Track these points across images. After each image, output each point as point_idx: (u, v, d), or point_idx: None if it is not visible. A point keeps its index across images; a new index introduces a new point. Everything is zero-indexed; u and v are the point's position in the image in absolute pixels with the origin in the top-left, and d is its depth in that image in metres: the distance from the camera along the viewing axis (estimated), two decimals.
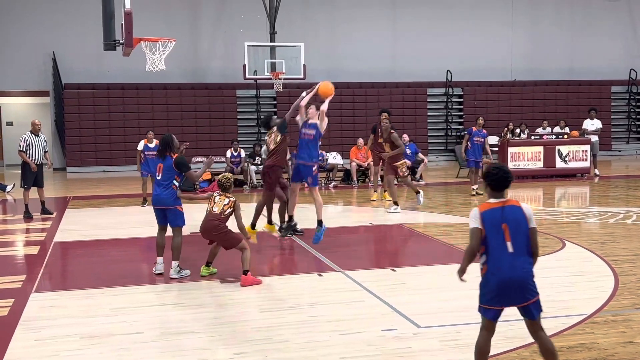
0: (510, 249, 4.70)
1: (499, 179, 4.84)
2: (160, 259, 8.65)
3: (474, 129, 16.21)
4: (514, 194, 16.15)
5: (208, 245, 8.54)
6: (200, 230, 8.40)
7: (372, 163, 15.95)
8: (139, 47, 11.64)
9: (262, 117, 10.11)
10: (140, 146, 14.88)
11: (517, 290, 4.74)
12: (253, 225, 10.14)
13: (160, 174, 8.53)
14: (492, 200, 4.87)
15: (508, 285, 4.72)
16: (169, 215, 8.55)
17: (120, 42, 10.81)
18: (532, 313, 4.81)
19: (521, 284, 4.74)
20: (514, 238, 4.71)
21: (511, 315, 6.58)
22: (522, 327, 6.23)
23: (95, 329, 6.47)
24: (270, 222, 10.60)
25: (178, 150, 8.81)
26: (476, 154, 15.98)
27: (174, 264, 8.52)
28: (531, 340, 5.88)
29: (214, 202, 8.31)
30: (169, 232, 8.56)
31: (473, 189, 15.83)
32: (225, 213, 8.20)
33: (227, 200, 8.26)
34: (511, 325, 6.30)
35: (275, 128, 10.22)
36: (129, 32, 10.27)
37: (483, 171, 4.88)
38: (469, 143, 16.04)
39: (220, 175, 8.65)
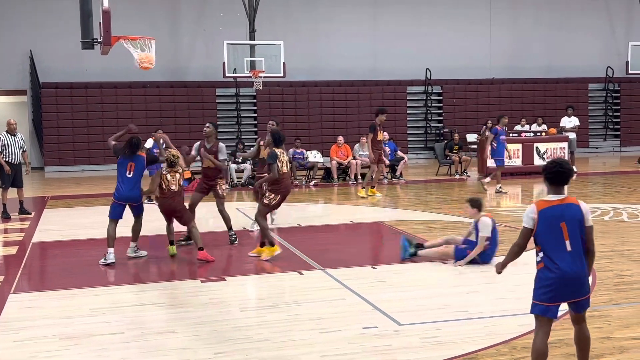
0: (568, 247, 4.69)
1: (555, 173, 4.74)
2: (111, 250, 9.09)
3: (499, 128, 15.91)
4: (492, 191, 16.27)
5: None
6: (163, 209, 9.35)
7: (370, 161, 15.71)
8: (118, 45, 11.56)
9: (278, 133, 9.54)
10: (149, 144, 15.24)
11: (574, 286, 4.73)
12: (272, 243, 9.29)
13: (132, 173, 9.25)
14: (550, 198, 4.78)
15: (566, 282, 4.70)
16: (135, 208, 9.42)
17: (99, 40, 10.72)
18: (582, 307, 4.83)
19: (578, 280, 4.74)
20: (572, 237, 4.69)
21: (489, 312, 6.65)
22: (501, 324, 6.31)
23: (75, 330, 6.43)
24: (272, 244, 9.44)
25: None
26: (502, 153, 15.80)
27: (133, 244, 9.45)
28: (510, 337, 5.97)
29: (168, 181, 9.26)
30: None
31: (499, 187, 15.61)
32: (182, 187, 9.33)
33: (178, 175, 9.33)
34: (490, 322, 6.36)
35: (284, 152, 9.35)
36: (107, 30, 10.19)
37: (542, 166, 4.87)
38: (494, 143, 15.74)
39: (167, 152, 9.52)
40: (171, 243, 9.52)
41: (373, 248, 10.94)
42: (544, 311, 4.76)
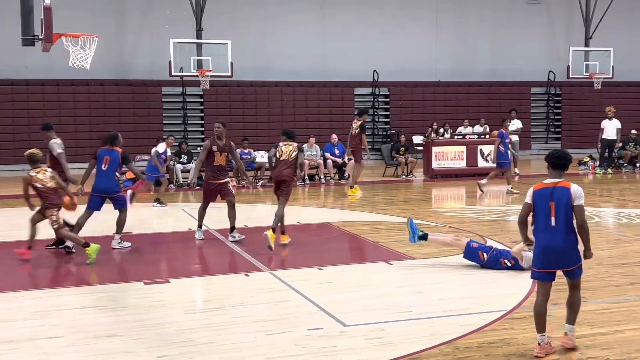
0: (553, 223, 5.58)
1: (557, 158, 5.80)
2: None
3: (504, 131, 16.38)
4: (437, 192, 16.52)
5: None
6: (58, 207, 9.20)
7: (361, 159, 15.93)
8: (60, 42, 11.32)
9: (286, 130, 10.59)
10: (162, 149, 15.40)
11: (556, 256, 5.60)
12: (274, 230, 9.73)
13: (107, 165, 9.77)
14: (547, 181, 5.82)
15: (548, 252, 5.61)
16: (115, 202, 9.88)
17: (40, 37, 10.47)
18: (571, 275, 5.70)
19: (559, 252, 5.59)
20: (557, 214, 5.57)
21: (433, 312, 6.74)
22: (444, 324, 6.40)
23: (14, 334, 6.27)
24: (283, 232, 10.25)
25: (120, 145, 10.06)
26: (507, 155, 16.13)
27: (117, 236, 9.89)
28: (453, 337, 6.05)
29: (47, 179, 9.12)
30: None
31: (510, 189, 15.96)
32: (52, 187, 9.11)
33: (48, 173, 9.20)
34: (434, 322, 6.45)
35: (295, 144, 10.23)
36: (49, 27, 9.96)
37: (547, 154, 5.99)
38: (501, 146, 16.06)
39: (27, 152, 9.37)
40: (88, 245, 9.05)
41: (320, 249, 10.95)
42: (536, 276, 5.73)
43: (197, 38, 22.24)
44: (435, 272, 8.50)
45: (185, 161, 18.22)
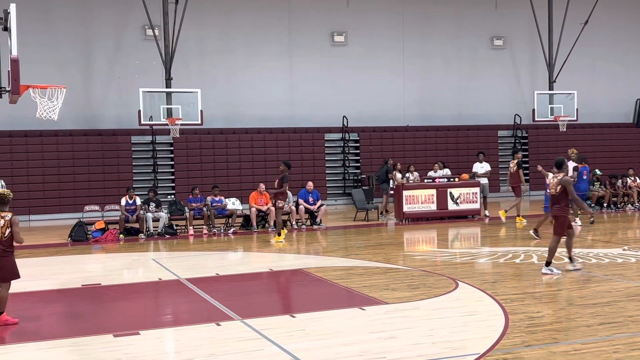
0: None
1: None
2: None
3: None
4: (408, 236, 16.53)
5: None
6: None
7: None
8: (27, 93, 11.25)
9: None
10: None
11: None
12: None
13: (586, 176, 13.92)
14: None
15: None
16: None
17: (7, 89, 10.41)
18: None
19: None
20: None
21: (404, 358, 6.69)
22: None
23: None
24: None
25: None
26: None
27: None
28: None
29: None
30: None
31: None
32: (6, 235, 8.38)
33: (2, 221, 8.39)
34: None
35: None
36: (16, 79, 9.89)
37: None
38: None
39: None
40: None
41: (292, 296, 10.88)
42: None
43: (167, 87, 22.30)
44: (407, 316, 8.48)
45: (154, 210, 18.05)
